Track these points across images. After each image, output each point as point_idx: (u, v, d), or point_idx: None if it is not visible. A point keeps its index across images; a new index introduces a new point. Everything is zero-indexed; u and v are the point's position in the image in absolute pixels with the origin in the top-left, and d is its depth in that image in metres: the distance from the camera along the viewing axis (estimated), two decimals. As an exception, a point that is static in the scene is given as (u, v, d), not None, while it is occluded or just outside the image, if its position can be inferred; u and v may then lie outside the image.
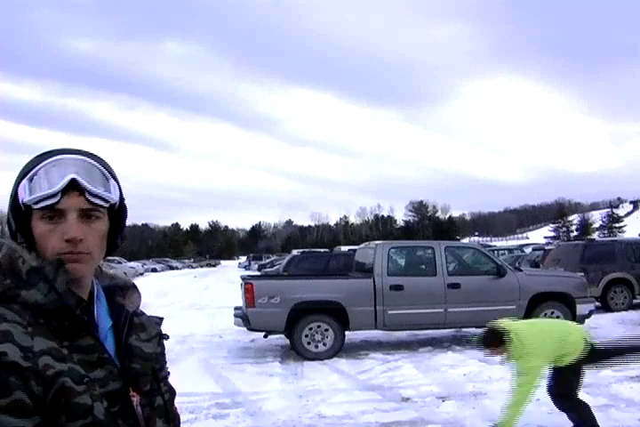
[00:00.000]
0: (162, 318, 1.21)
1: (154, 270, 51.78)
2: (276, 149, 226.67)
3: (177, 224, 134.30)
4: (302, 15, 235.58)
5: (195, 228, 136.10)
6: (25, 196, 0.98)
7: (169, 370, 1.19)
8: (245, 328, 8.74)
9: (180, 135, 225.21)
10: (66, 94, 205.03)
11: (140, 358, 1.06)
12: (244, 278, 9.02)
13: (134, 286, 1.16)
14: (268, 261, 42.70)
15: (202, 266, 77.65)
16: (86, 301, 1.03)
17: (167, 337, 1.19)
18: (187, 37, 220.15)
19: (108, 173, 1.04)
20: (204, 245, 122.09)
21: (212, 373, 7.40)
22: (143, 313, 1.17)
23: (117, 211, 1.06)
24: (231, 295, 14.12)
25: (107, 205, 1.02)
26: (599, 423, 4.40)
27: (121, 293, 1.12)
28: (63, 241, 0.97)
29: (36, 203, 0.97)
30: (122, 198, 1.07)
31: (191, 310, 15.44)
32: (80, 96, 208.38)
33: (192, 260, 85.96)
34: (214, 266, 78.62)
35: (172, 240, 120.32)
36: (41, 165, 1.00)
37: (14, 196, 1.01)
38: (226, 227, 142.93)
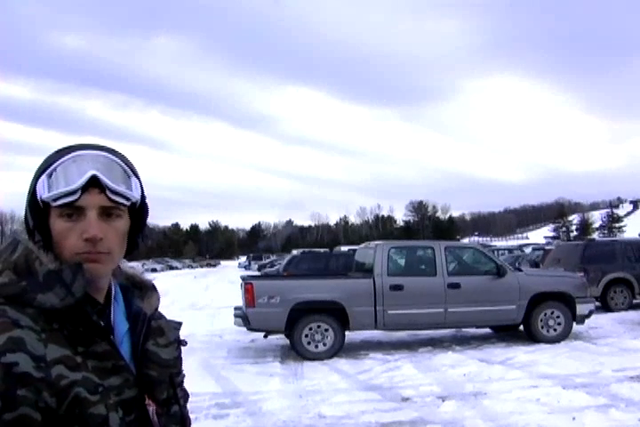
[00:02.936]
0: (180, 323, 1.15)
1: (154, 270, 51.88)
2: (275, 148, 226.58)
3: (177, 224, 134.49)
4: (298, 12, 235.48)
5: (195, 228, 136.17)
6: (43, 192, 0.94)
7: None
8: (245, 328, 8.74)
9: (174, 134, 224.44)
10: (58, 92, 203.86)
11: (156, 364, 1.02)
12: (243, 278, 9.02)
13: (154, 287, 1.12)
14: (267, 261, 42.78)
15: (202, 266, 77.76)
16: (102, 304, 0.99)
17: (185, 343, 1.15)
18: (180, 34, 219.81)
19: (130, 169, 1.00)
20: (204, 245, 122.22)
21: (212, 373, 7.39)
22: (162, 316, 1.12)
23: (138, 209, 1.02)
24: (231, 295, 14.12)
25: (128, 203, 0.98)
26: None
27: (139, 294, 1.08)
28: (82, 240, 0.93)
29: (55, 200, 0.93)
30: (143, 196, 1.02)
31: (191, 310, 15.43)
32: (72, 94, 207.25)
33: (192, 260, 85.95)
34: (214, 266, 78.67)
35: (171, 240, 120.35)
36: (60, 160, 0.96)
37: (32, 192, 0.97)
38: (226, 227, 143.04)
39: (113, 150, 1.02)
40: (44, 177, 0.95)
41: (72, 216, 0.94)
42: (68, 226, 0.94)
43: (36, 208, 0.96)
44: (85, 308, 0.92)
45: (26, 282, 0.90)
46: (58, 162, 0.96)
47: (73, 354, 0.89)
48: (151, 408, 0.98)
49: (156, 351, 1.03)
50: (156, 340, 1.05)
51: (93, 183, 0.93)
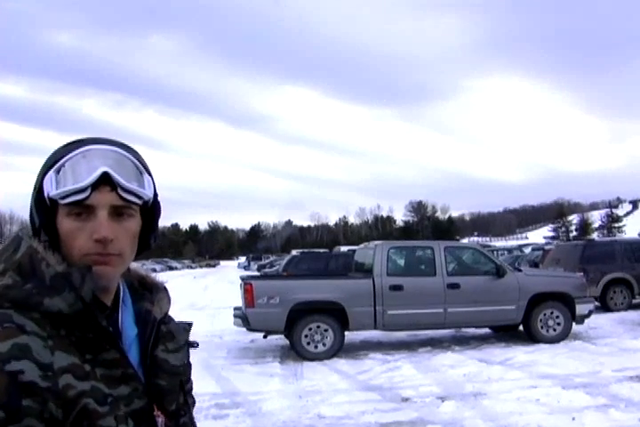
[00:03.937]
0: (190, 324, 1.09)
1: (153, 271, 51.57)
2: (275, 148, 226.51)
3: (176, 224, 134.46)
4: (298, 12, 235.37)
5: (194, 228, 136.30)
6: (51, 189, 0.87)
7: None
8: (245, 329, 8.74)
9: (173, 133, 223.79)
10: (54, 91, 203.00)
11: (166, 373, 0.96)
12: (243, 279, 9.02)
13: (165, 290, 1.06)
14: (267, 261, 42.79)
15: (201, 266, 77.82)
16: (110, 308, 0.93)
17: (197, 345, 1.09)
18: (179, 33, 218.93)
19: (142, 166, 0.93)
20: (204, 246, 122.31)
21: (212, 373, 7.39)
22: (171, 319, 1.05)
23: (150, 208, 0.95)
24: (231, 296, 14.11)
25: (140, 202, 0.91)
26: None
27: (149, 296, 1.01)
28: (92, 241, 0.86)
29: (63, 198, 0.86)
30: (155, 194, 0.95)
31: (191, 310, 15.40)
32: (68, 93, 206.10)
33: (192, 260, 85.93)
34: (214, 266, 78.79)
35: (171, 240, 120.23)
36: (69, 155, 0.89)
37: (39, 189, 0.89)
38: (225, 227, 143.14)
39: (124, 145, 0.95)
40: (51, 173, 0.88)
41: (81, 215, 0.87)
42: (77, 226, 0.87)
43: (43, 206, 0.89)
44: (94, 312, 0.86)
45: (31, 285, 0.84)
46: (66, 157, 0.89)
47: (81, 362, 0.83)
48: (160, 420, 0.93)
49: (165, 358, 0.97)
50: (166, 345, 0.99)
51: (104, 181, 0.86)
